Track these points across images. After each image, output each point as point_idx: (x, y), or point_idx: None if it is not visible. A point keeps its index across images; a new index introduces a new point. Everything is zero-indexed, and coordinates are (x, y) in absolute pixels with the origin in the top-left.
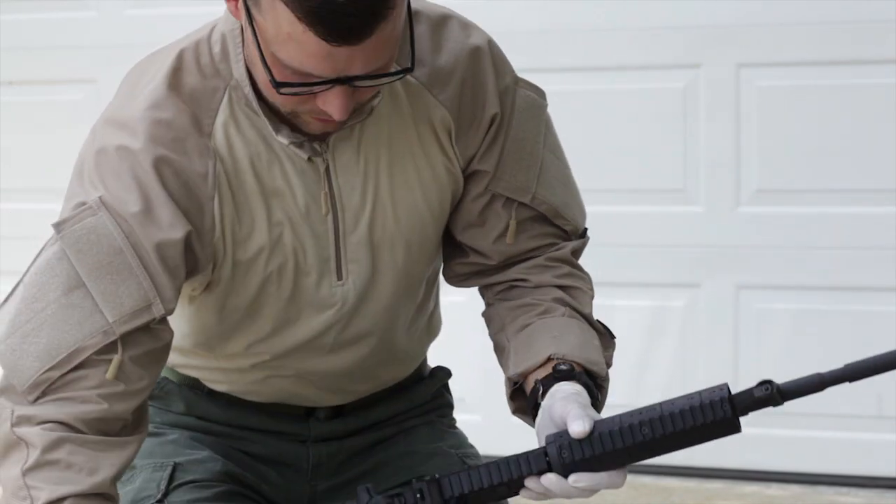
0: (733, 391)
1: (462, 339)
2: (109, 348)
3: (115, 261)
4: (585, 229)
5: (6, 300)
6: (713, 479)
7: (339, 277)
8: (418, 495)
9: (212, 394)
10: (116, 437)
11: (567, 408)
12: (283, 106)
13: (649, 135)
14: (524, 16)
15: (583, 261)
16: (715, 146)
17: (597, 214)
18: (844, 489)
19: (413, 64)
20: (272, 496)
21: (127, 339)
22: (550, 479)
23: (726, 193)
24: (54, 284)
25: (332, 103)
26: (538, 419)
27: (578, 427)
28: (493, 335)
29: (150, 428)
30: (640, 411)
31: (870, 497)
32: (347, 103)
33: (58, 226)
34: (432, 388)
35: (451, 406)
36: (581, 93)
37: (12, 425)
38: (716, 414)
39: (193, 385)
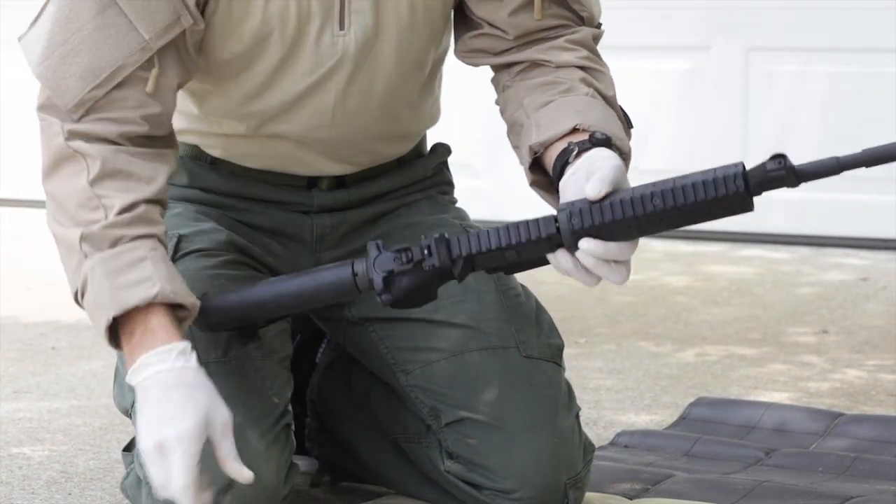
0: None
1: (469, 103)
2: (147, 65)
3: None
4: (601, 23)
5: (36, 20)
6: (718, 242)
7: (342, 27)
8: (426, 251)
9: (214, 164)
10: (159, 150)
11: (603, 164)
12: None
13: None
14: None
15: None
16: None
17: None
18: (851, 251)
19: None
20: (277, 267)
21: (162, 56)
22: (559, 256)
23: None
24: (87, 5)
25: None
26: (570, 171)
27: (594, 189)
28: (509, 115)
29: None
30: (653, 184)
31: (876, 258)
32: None
33: None
34: (432, 163)
35: (451, 184)
36: None
37: (66, 139)
38: (728, 188)
39: (196, 155)
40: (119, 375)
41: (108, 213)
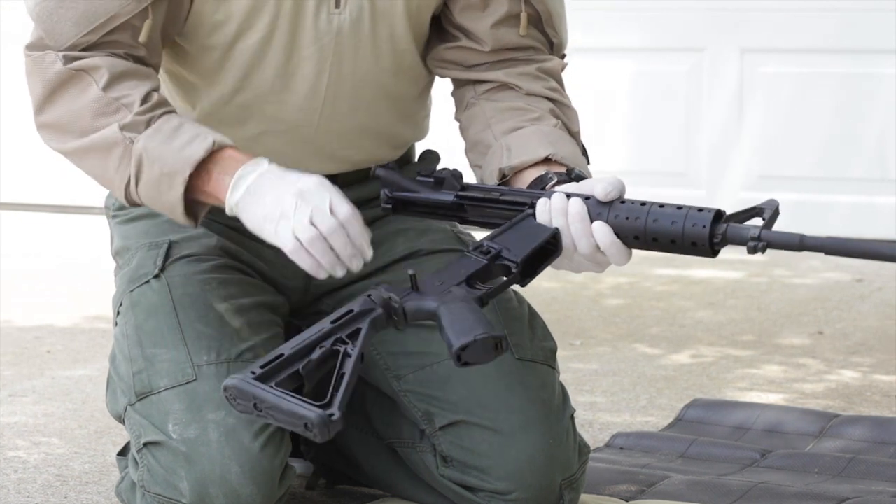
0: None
1: None
2: (141, 15)
3: None
4: (565, 54)
5: None
6: None
7: (337, 5)
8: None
9: None
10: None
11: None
12: None
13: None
14: None
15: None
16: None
17: None
18: None
19: None
20: (268, 273)
21: (156, 7)
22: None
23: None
24: None
25: None
26: (561, 189)
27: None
28: (472, 134)
29: (145, 210)
30: (642, 202)
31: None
32: None
33: None
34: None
35: None
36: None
37: (65, 63)
38: (698, 223)
39: None
40: (112, 382)
41: (132, 108)
